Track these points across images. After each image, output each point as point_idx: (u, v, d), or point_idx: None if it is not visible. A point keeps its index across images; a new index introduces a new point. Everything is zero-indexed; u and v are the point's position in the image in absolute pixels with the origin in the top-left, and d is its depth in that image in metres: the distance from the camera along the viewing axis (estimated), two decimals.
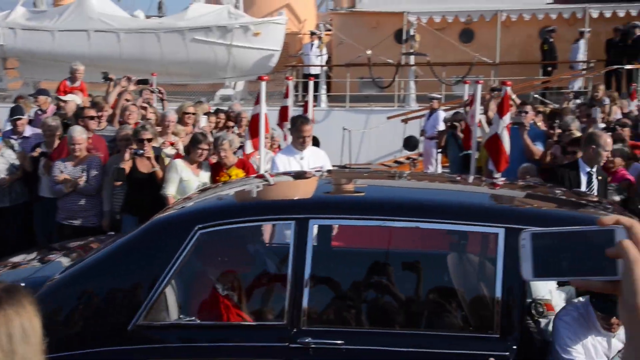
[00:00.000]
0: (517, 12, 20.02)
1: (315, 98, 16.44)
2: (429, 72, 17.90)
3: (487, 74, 17.79)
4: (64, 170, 7.51)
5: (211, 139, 7.66)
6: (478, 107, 8.76)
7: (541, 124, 10.19)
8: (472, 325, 4.23)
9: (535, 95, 18.06)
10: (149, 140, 7.41)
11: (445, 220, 4.19)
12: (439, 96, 14.76)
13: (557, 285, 4.70)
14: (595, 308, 3.80)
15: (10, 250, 6.30)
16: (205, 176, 7.33)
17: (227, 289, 4.36)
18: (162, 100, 10.48)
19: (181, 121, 9.17)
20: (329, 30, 21.24)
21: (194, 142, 7.36)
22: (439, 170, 12.78)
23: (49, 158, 7.92)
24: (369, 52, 18.12)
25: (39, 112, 10.44)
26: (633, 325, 1.15)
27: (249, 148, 8.23)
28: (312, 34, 19.68)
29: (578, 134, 8.23)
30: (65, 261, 5.05)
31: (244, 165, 7.50)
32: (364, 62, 18.06)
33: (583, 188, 6.71)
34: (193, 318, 4.26)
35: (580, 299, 3.99)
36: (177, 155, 7.90)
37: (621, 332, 3.73)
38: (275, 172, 6.70)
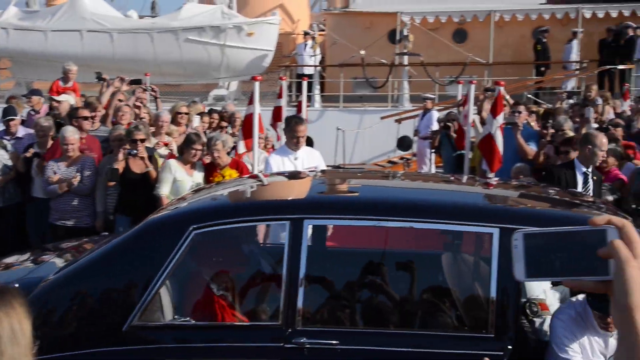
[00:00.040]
0: (510, 12, 20.06)
1: (309, 98, 16.42)
2: (422, 72, 17.93)
3: (480, 74, 17.82)
4: (57, 170, 7.50)
5: (205, 139, 7.66)
6: (471, 107, 8.77)
7: (534, 124, 10.21)
8: (467, 325, 4.24)
9: (529, 96, 18.10)
10: (142, 140, 7.40)
11: (440, 220, 4.20)
12: (433, 96, 14.77)
13: (552, 285, 4.71)
14: (591, 307, 3.81)
15: (4, 251, 6.29)
16: (198, 176, 7.33)
17: (221, 289, 4.36)
18: (155, 98, 10.46)
19: (174, 121, 9.16)
20: (323, 30, 21.25)
21: (188, 142, 7.36)
22: (433, 170, 12.80)
23: (41, 159, 7.90)
24: (362, 52, 18.13)
25: (32, 113, 10.42)
26: (625, 325, 1.15)
27: (241, 148, 8.23)
28: (306, 34, 19.68)
29: (571, 134, 8.26)
30: (59, 262, 5.03)
31: (238, 165, 7.50)
32: (358, 62, 18.07)
33: (579, 188, 6.73)
34: (188, 318, 4.25)
35: (579, 297, 3.99)
36: (171, 156, 7.89)
37: None
38: (269, 173, 6.70)
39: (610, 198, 7.10)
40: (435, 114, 13.40)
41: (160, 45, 18.80)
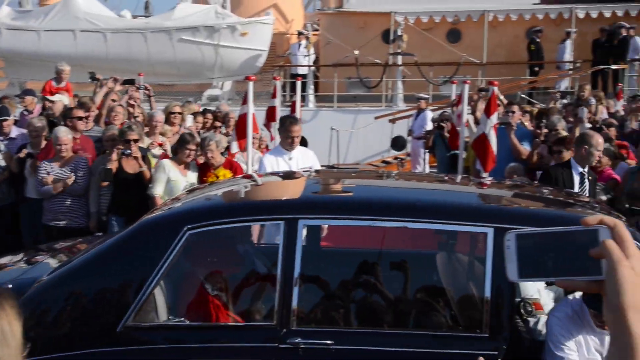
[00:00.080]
0: (504, 12, 20.11)
1: (303, 98, 16.44)
2: (416, 72, 17.95)
3: (474, 74, 17.85)
4: (51, 171, 7.48)
5: (199, 140, 7.65)
6: (465, 107, 8.79)
7: (528, 124, 10.24)
8: (461, 325, 4.24)
9: (522, 95, 18.14)
10: (135, 140, 7.39)
11: (434, 220, 4.20)
12: (427, 96, 14.80)
13: (546, 285, 4.73)
14: (587, 305, 3.81)
15: None
16: (192, 177, 7.33)
17: (216, 289, 4.36)
18: (149, 97, 10.44)
19: (167, 121, 9.16)
20: (317, 30, 21.26)
21: (182, 142, 7.36)
22: (427, 170, 12.81)
23: (35, 159, 7.88)
24: (356, 52, 18.15)
25: (25, 113, 10.39)
26: (617, 325, 1.15)
27: (234, 148, 8.23)
28: (300, 34, 19.68)
29: (564, 133, 8.29)
30: (53, 262, 5.02)
31: (232, 165, 7.49)
32: (352, 62, 18.09)
33: (576, 188, 6.75)
34: (182, 319, 4.25)
35: (575, 295, 3.99)
36: (164, 156, 7.89)
37: None
38: (263, 173, 6.70)
39: (603, 198, 7.13)
40: (429, 114, 13.42)
41: (153, 45, 18.77)
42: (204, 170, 7.38)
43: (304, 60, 19.15)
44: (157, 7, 65.92)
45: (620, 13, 19.64)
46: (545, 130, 9.01)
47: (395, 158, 16.87)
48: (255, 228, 5.37)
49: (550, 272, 1.23)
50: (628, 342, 1.14)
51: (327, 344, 3.91)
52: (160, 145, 8.44)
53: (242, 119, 8.05)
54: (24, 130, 8.73)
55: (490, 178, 7.16)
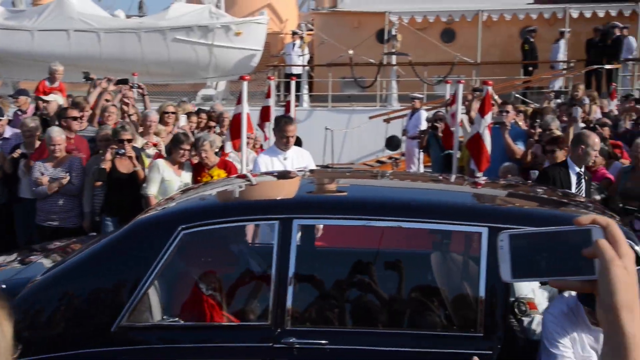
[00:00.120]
0: (498, 12, 20.15)
1: (297, 98, 16.45)
2: (410, 71, 17.97)
3: (468, 73, 17.88)
4: (45, 171, 7.46)
5: (193, 139, 7.64)
6: (460, 107, 8.80)
7: (522, 124, 10.25)
8: (456, 324, 4.25)
9: (516, 95, 18.18)
10: (129, 140, 7.38)
11: (429, 219, 4.21)
12: (421, 96, 14.82)
13: (540, 284, 4.73)
14: (582, 303, 3.81)
15: None
16: (187, 176, 7.32)
17: (210, 289, 4.36)
18: (143, 95, 10.43)
19: (161, 121, 9.15)
20: (311, 30, 21.26)
21: (176, 142, 7.34)
22: (422, 169, 12.82)
23: (28, 159, 7.86)
24: (350, 52, 18.15)
25: (19, 113, 10.37)
26: (610, 325, 1.16)
27: (228, 148, 8.22)
28: (294, 33, 19.68)
29: (558, 133, 8.30)
30: (46, 262, 5.01)
31: (226, 165, 7.49)
32: (346, 62, 18.10)
33: (573, 188, 6.77)
34: (177, 319, 4.24)
35: (572, 293, 3.99)
36: (158, 155, 7.88)
37: None
38: (257, 172, 6.69)
39: (597, 197, 7.14)
40: (424, 114, 13.44)
41: (147, 45, 18.74)
42: (198, 170, 7.37)
43: (298, 60, 19.15)
44: (151, 7, 65.88)
45: (613, 13, 19.70)
46: (539, 130, 9.02)
47: (390, 158, 16.88)
48: (250, 228, 5.36)
49: (544, 272, 1.23)
50: (621, 341, 1.14)
51: (321, 343, 3.91)
52: (155, 145, 8.43)
53: (237, 119, 8.04)
54: (18, 130, 8.72)
55: (484, 178, 7.17)
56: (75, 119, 8.14)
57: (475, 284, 3.97)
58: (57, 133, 7.53)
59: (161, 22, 19.24)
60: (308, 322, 4.23)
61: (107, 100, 9.32)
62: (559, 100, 14.86)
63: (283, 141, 7.20)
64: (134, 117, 9.32)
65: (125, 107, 9.42)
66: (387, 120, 16.88)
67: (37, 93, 11.26)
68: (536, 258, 1.23)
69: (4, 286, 4.29)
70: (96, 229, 7.30)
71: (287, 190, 5.08)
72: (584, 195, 6.72)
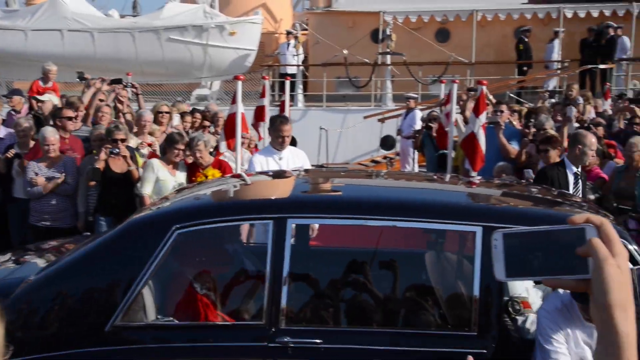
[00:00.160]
0: (492, 12, 20.16)
1: (292, 98, 16.43)
2: (405, 71, 17.97)
3: (463, 73, 17.89)
4: (38, 171, 7.44)
5: (187, 139, 7.63)
6: (454, 107, 8.80)
7: (516, 123, 10.27)
8: (450, 323, 4.25)
9: (511, 95, 18.21)
10: (122, 140, 7.36)
11: (423, 219, 4.21)
12: (416, 95, 14.81)
13: (534, 283, 4.74)
14: (575, 299, 3.82)
15: None
16: (181, 176, 7.31)
17: (204, 289, 4.35)
18: (137, 95, 10.41)
19: (155, 120, 9.14)
20: (305, 29, 21.24)
21: (171, 142, 7.33)
22: (416, 169, 12.83)
23: (22, 159, 7.84)
24: (345, 51, 18.15)
25: (13, 113, 10.35)
26: (604, 323, 1.16)
27: (223, 148, 8.21)
28: (289, 33, 19.67)
29: (552, 132, 8.32)
30: (41, 262, 5.00)
31: (221, 165, 7.48)
32: (341, 62, 18.09)
33: (570, 188, 6.78)
34: (171, 318, 4.24)
35: None
36: (152, 155, 7.87)
37: None
38: (252, 172, 6.69)
39: (591, 197, 7.16)
40: (418, 114, 13.44)
41: (142, 45, 18.70)
42: (193, 170, 7.36)
43: (293, 59, 19.14)
44: (145, 6, 65.77)
45: (607, 13, 19.74)
46: (533, 130, 9.04)
47: (385, 157, 16.89)
48: (244, 227, 5.36)
49: (538, 271, 1.23)
50: (614, 340, 1.14)
51: (316, 342, 3.91)
52: (150, 145, 8.42)
53: (231, 119, 8.04)
54: (12, 130, 8.70)
55: (479, 177, 7.18)
56: (70, 119, 8.13)
57: (470, 283, 3.98)
58: (51, 133, 7.51)
59: (155, 22, 19.20)
60: (302, 321, 4.23)
61: (100, 100, 9.31)
62: (553, 100, 14.88)
63: (278, 141, 7.19)
64: (128, 116, 9.31)
65: (119, 106, 9.40)
66: (381, 120, 16.89)
67: (30, 93, 11.24)
68: (530, 257, 1.23)
69: None
70: (90, 229, 7.29)
71: (282, 190, 5.08)
72: (580, 195, 6.73)
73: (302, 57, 19.61)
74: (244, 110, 8.21)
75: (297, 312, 4.26)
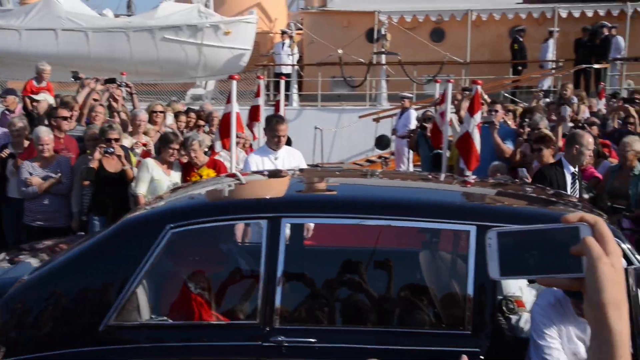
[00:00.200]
0: (487, 11, 20.20)
1: (287, 97, 16.43)
2: (400, 71, 17.99)
3: (457, 73, 17.92)
4: (33, 171, 7.42)
5: (182, 139, 7.62)
6: (449, 106, 8.81)
7: (511, 123, 10.28)
8: (444, 322, 4.26)
9: (506, 94, 18.23)
10: (116, 139, 7.34)
11: (418, 218, 4.21)
12: (410, 95, 14.83)
13: (528, 282, 4.75)
14: (567, 294, 3.83)
15: None
16: (176, 176, 7.30)
17: (199, 288, 4.34)
18: (131, 94, 10.39)
19: (150, 120, 9.13)
20: (300, 29, 21.25)
21: (165, 141, 7.32)
22: (411, 168, 12.84)
23: (17, 159, 7.81)
24: (340, 51, 18.16)
25: (7, 112, 10.32)
26: (597, 322, 1.16)
27: (218, 147, 8.20)
28: (283, 33, 19.66)
29: (546, 132, 8.33)
30: (34, 262, 4.98)
31: (215, 164, 7.47)
32: (335, 62, 18.10)
33: (568, 188, 6.79)
34: (165, 318, 4.23)
35: None
36: (146, 154, 7.85)
37: None
38: (248, 172, 6.67)
39: (586, 196, 7.17)
40: (413, 113, 13.45)
41: (136, 44, 18.68)
42: (188, 170, 7.35)
43: (288, 59, 19.14)
44: (139, 6, 65.63)
45: (602, 12, 19.79)
46: (527, 129, 9.05)
47: (380, 157, 16.88)
48: (238, 227, 5.35)
49: (532, 269, 1.23)
50: (608, 338, 1.14)
51: (310, 342, 3.91)
52: (145, 145, 8.41)
53: (226, 118, 8.02)
54: (6, 130, 8.67)
55: (473, 177, 7.18)
56: (65, 118, 8.11)
57: (464, 282, 3.98)
58: (45, 133, 7.49)
59: (150, 22, 19.19)
60: (297, 320, 4.22)
61: (95, 100, 9.29)
62: (547, 100, 14.90)
63: (274, 140, 7.18)
64: (122, 115, 9.29)
65: (114, 104, 9.38)
66: (376, 120, 16.89)
67: (24, 93, 11.21)
68: (524, 256, 1.23)
69: None
70: (84, 229, 7.27)
71: (276, 189, 5.07)
72: (577, 195, 6.74)
73: (297, 56, 19.62)
74: (238, 110, 8.20)
75: (292, 311, 4.26)
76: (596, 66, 17.99)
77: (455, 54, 19.00)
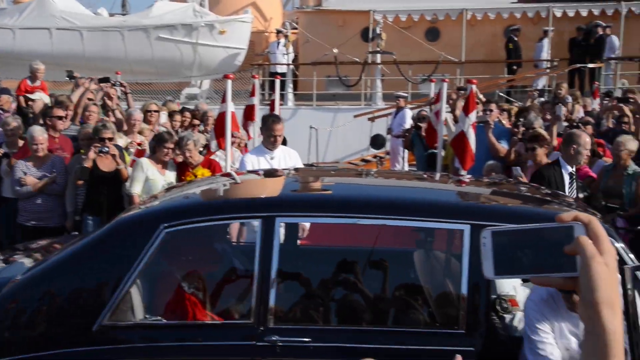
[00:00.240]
0: (482, 11, 20.21)
1: (282, 97, 16.43)
2: (395, 70, 17.99)
3: (452, 72, 17.93)
4: (27, 170, 7.40)
5: (176, 138, 7.61)
6: (444, 105, 8.82)
7: (506, 122, 10.29)
8: (438, 322, 4.26)
9: (500, 94, 18.26)
10: (110, 139, 7.32)
11: (412, 217, 4.21)
12: (405, 94, 14.83)
13: (522, 282, 4.75)
14: (559, 289, 3.84)
15: None
16: (171, 175, 7.28)
17: (193, 287, 4.34)
18: (125, 94, 10.37)
19: (144, 119, 9.11)
20: (295, 28, 21.23)
21: (160, 140, 7.31)
22: (406, 168, 12.84)
23: (11, 158, 7.79)
24: (335, 50, 18.15)
25: (1, 112, 10.28)
26: (591, 321, 1.15)
27: (214, 147, 8.19)
28: (279, 32, 19.66)
29: (541, 131, 8.33)
30: (28, 262, 4.97)
31: (210, 164, 7.46)
32: (331, 61, 18.09)
33: (566, 188, 6.79)
34: (159, 318, 4.22)
35: None
36: (140, 153, 7.83)
37: None
38: (243, 171, 6.66)
39: (580, 195, 7.18)
40: (408, 112, 13.45)
41: (131, 44, 18.65)
42: (182, 169, 7.34)
43: (283, 58, 19.13)
44: (134, 5, 65.51)
45: (596, 12, 19.82)
46: (522, 129, 9.06)
47: (375, 156, 16.89)
48: (233, 226, 5.35)
49: (526, 269, 1.23)
50: (602, 337, 1.14)
51: (304, 341, 3.90)
52: (140, 144, 8.39)
53: (221, 118, 8.01)
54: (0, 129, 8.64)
55: (468, 176, 7.19)
56: (60, 118, 8.09)
57: (458, 281, 3.98)
58: (39, 132, 7.47)
59: (144, 21, 19.16)
60: (291, 320, 4.22)
61: (89, 99, 9.27)
62: (542, 99, 14.92)
63: (270, 140, 7.17)
64: (117, 114, 9.27)
65: (109, 102, 9.36)
66: (371, 119, 16.90)
67: (18, 92, 11.19)
68: (518, 255, 1.23)
69: None
70: (78, 229, 7.25)
71: (270, 188, 5.07)
72: (575, 195, 6.75)
73: (292, 56, 19.61)
74: (234, 109, 8.19)
75: (286, 310, 4.25)
76: (590, 65, 18.03)
77: (450, 54, 19.02)
